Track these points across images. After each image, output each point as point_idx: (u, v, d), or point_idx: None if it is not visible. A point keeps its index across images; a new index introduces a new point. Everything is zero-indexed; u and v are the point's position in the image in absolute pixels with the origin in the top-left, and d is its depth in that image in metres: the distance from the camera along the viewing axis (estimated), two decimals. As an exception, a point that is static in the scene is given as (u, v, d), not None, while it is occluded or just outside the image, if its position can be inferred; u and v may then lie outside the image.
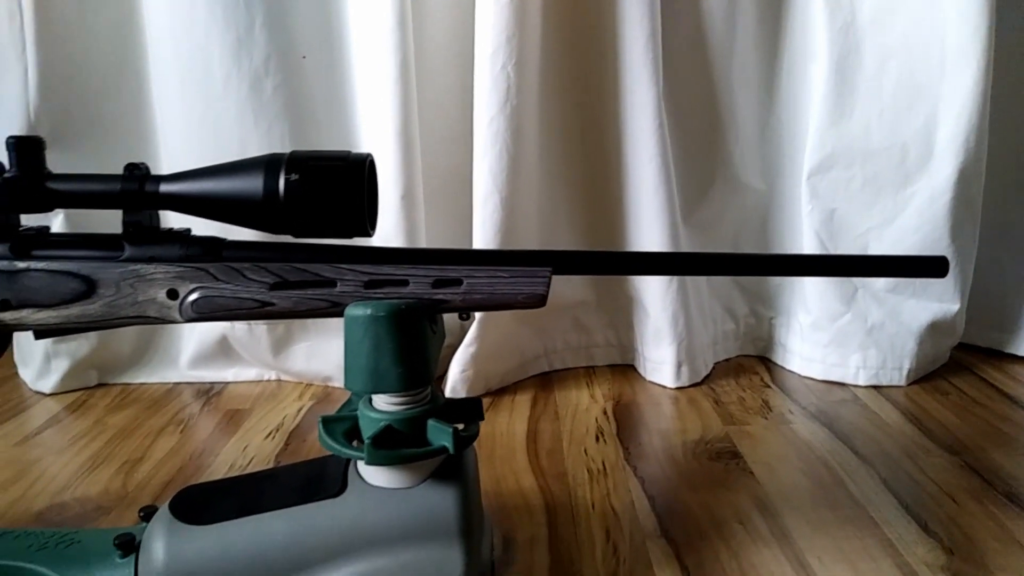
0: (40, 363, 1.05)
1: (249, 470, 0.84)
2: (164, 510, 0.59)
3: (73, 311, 0.55)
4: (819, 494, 0.77)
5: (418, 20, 0.92)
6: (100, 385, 1.08)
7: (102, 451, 0.89)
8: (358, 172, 0.52)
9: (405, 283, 0.54)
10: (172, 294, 0.54)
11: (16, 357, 1.10)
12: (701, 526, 0.71)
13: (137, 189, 0.54)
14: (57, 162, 1.00)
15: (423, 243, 0.98)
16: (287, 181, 0.51)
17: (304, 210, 0.52)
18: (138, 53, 1.01)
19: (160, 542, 0.57)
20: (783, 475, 0.81)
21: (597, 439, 0.90)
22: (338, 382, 1.06)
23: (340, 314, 0.54)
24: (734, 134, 1.04)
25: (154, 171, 1.06)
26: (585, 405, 0.99)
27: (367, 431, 0.55)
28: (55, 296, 0.55)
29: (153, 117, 1.02)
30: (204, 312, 0.55)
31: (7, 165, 0.54)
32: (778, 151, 1.06)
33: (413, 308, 0.52)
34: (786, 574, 0.64)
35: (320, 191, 0.52)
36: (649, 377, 1.06)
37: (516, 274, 0.54)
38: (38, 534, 0.63)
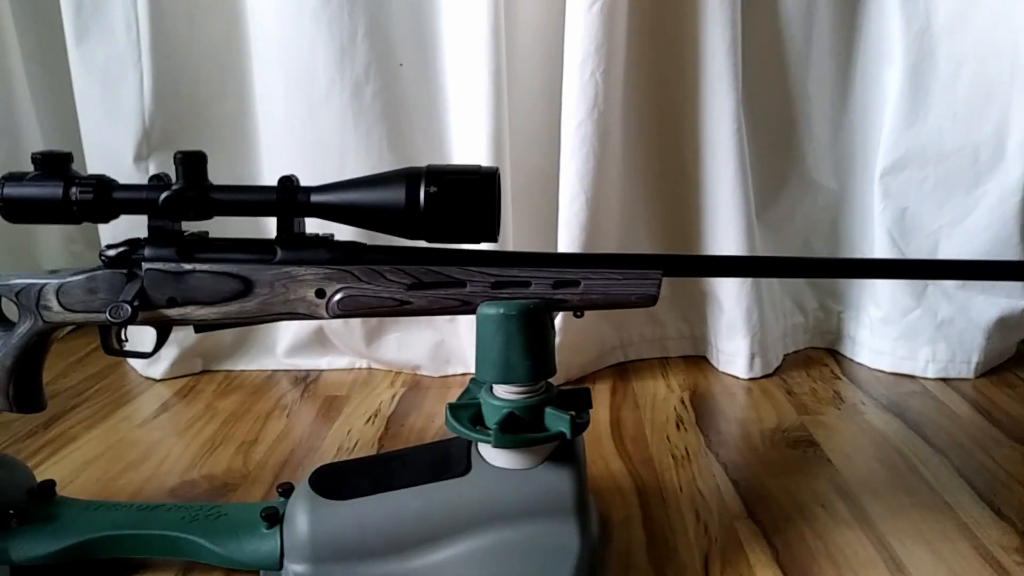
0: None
1: (355, 453, 0.91)
2: (304, 486, 0.65)
3: (232, 308, 0.62)
4: (895, 480, 0.82)
5: (509, 29, 0.97)
6: (204, 372, 1.16)
7: (218, 433, 0.96)
8: (489, 184, 0.58)
9: (528, 284, 0.60)
10: (320, 293, 0.61)
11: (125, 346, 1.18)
12: (785, 509, 0.76)
13: (290, 199, 0.60)
14: (167, 165, 1.08)
15: (510, 239, 1.03)
16: (427, 193, 0.57)
17: (441, 218, 0.58)
18: (242, 61, 1.07)
19: (303, 515, 0.63)
20: (859, 463, 0.85)
21: (678, 427, 0.95)
22: (426, 371, 1.13)
23: (469, 312, 0.60)
24: (808, 135, 1.08)
25: (255, 169, 1.13)
26: (663, 395, 1.05)
27: (491, 418, 0.61)
28: (216, 295, 0.61)
29: (256, 120, 1.09)
30: (348, 310, 0.61)
31: (173, 178, 0.61)
32: (850, 152, 1.10)
33: (539, 308, 0.58)
34: (870, 555, 0.69)
35: (456, 201, 0.57)
36: (722, 368, 1.11)
37: (629, 276, 0.60)
38: (188, 507, 0.70)
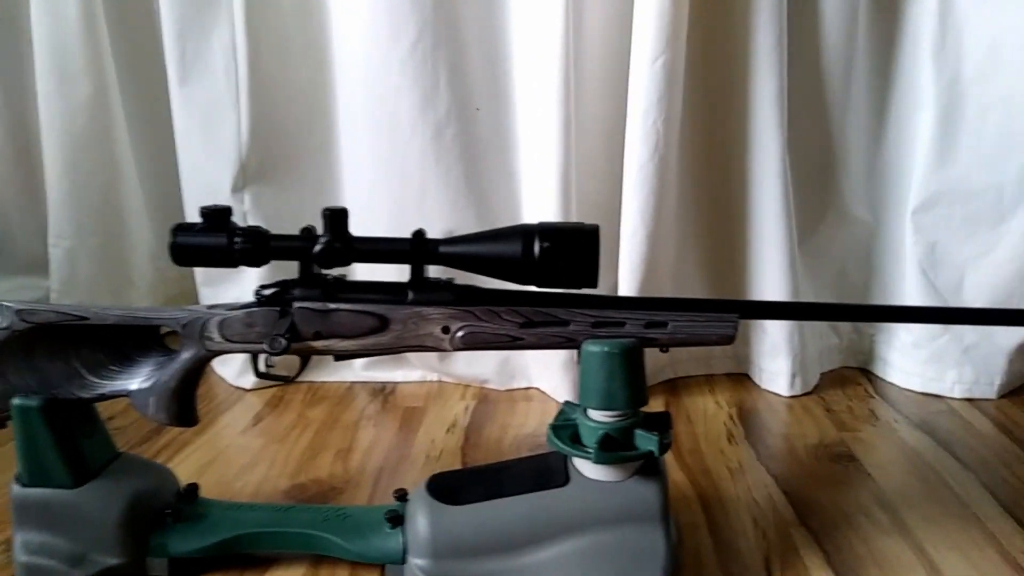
0: (241, 364, 1.24)
1: (441, 460, 1.01)
2: (422, 492, 0.76)
3: (369, 341, 0.72)
4: (928, 493, 0.92)
5: (577, 79, 1.07)
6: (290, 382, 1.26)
7: (315, 441, 1.07)
8: (593, 240, 0.68)
9: (623, 324, 0.70)
10: (445, 329, 0.71)
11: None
12: (833, 518, 0.86)
13: (422, 249, 0.70)
14: (261, 195, 1.20)
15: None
16: (541, 247, 0.67)
17: (551, 269, 0.68)
18: (328, 102, 1.18)
19: (424, 518, 0.74)
20: (895, 476, 0.96)
21: (729, 440, 1.05)
22: (493, 384, 1.23)
23: (572, 347, 0.71)
24: (845, 173, 1.19)
25: (337, 200, 1.25)
26: (712, 410, 1.15)
27: (588, 437, 0.71)
28: (356, 329, 0.72)
29: (340, 157, 1.20)
30: (469, 344, 0.71)
31: (319, 230, 0.71)
32: (884, 189, 1.20)
33: (637, 347, 0.68)
34: (910, 560, 0.79)
35: (565, 254, 0.68)
36: (764, 386, 1.21)
37: (710, 319, 0.70)
38: (317, 509, 0.81)
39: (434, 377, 1.27)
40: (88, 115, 1.28)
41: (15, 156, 1.32)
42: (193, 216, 1.20)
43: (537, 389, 1.23)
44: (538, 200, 1.11)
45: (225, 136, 1.16)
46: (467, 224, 1.12)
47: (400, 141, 1.11)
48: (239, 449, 1.05)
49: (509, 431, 1.10)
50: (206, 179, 1.18)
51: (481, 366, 1.22)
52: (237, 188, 1.17)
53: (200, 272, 1.26)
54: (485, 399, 1.21)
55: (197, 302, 1.27)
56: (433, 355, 1.22)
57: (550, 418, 1.10)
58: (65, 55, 1.25)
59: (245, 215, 1.17)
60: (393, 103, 1.10)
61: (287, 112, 1.17)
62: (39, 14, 1.23)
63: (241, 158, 1.16)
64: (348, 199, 1.20)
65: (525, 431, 1.10)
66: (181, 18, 1.12)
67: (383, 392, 1.23)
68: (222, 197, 1.16)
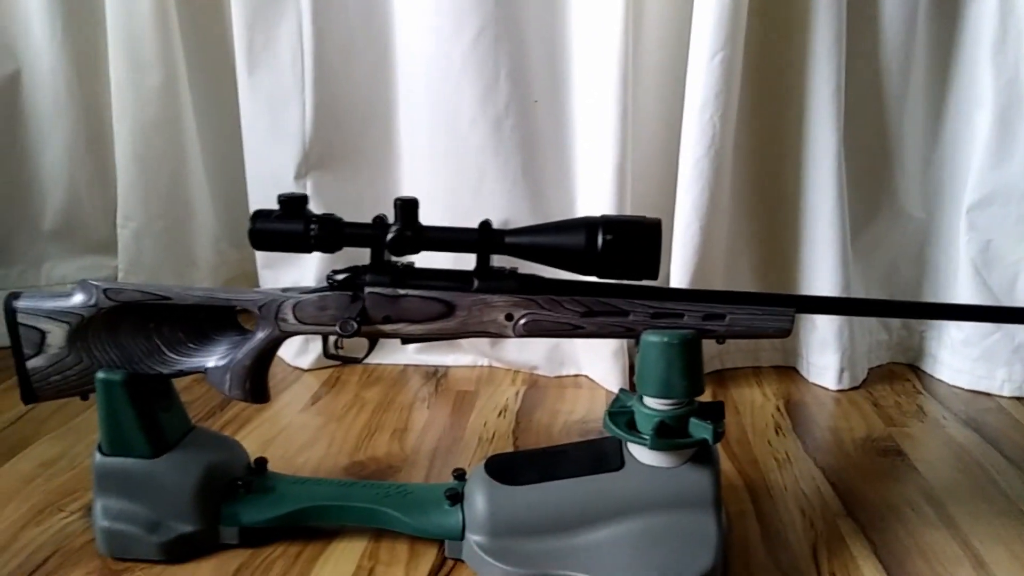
0: (299, 344, 1.28)
1: (494, 443, 1.04)
2: (480, 472, 0.79)
3: (435, 326, 0.75)
4: (975, 489, 0.93)
5: (635, 73, 1.09)
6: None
7: (371, 420, 1.11)
8: (655, 233, 0.70)
9: (681, 316, 0.73)
10: (508, 317, 0.74)
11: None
12: (879, 510, 0.88)
13: (489, 239, 0.73)
14: (322, 182, 1.24)
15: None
16: (604, 239, 0.70)
17: (614, 260, 0.70)
18: (389, 93, 1.21)
19: (482, 496, 0.77)
20: (943, 472, 0.97)
21: (776, 432, 1.07)
22: (542, 371, 1.26)
23: (631, 337, 0.73)
24: (901, 169, 1.19)
25: (396, 188, 1.28)
26: (760, 402, 1.17)
27: (644, 424, 0.73)
28: (423, 315, 0.75)
29: (399, 146, 1.23)
30: (531, 332, 0.74)
31: (391, 219, 0.74)
32: (939, 186, 1.20)
33: (696, 338, 0.71)
34: (956, 552, 0.81)
35: (627, 246, 0.70)
36: (812, 379, 1.23)
37: (768, 312, 0.72)
38: (379, 485, 0.85)
39: (485, 362, 1.30)
40: (158, 103, 1.33)
41: (88, 143, 1.36)
42: (257, 201, 1.25)
43: (586, 377, 1.25)
44: (593, 193, 1.13)
45: (290, 124, 1.20)
46: (522, 215, 1.15)
47: (460, 133, 1.14)
48: (299, 427, 1.09)
49: (559, 417, 1.13)
50: (270, 165, 1.22)
51: (531, 352, 1.25)
52: (300, 175, 1.21)
53: (261, 255, 1.30)
54: (535, 385, 1.24)
55: (256, 284, 1.32)
56: (484, 340, 1.25)
57: (599, 405, 1.15)
58: (137, 45, 1.30)
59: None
60: (454, 95, 1.13)
61: (349, 102, 1.21)
62: (114, 6, 1.28)
63: (304, 146, 1.20)
64: (406, 188, 1.23)
65: (574, 417, 1.13)
66: (251, 10, 1.16)
67: (435, 375, 1.27)
68: (285, 183, 1.21)
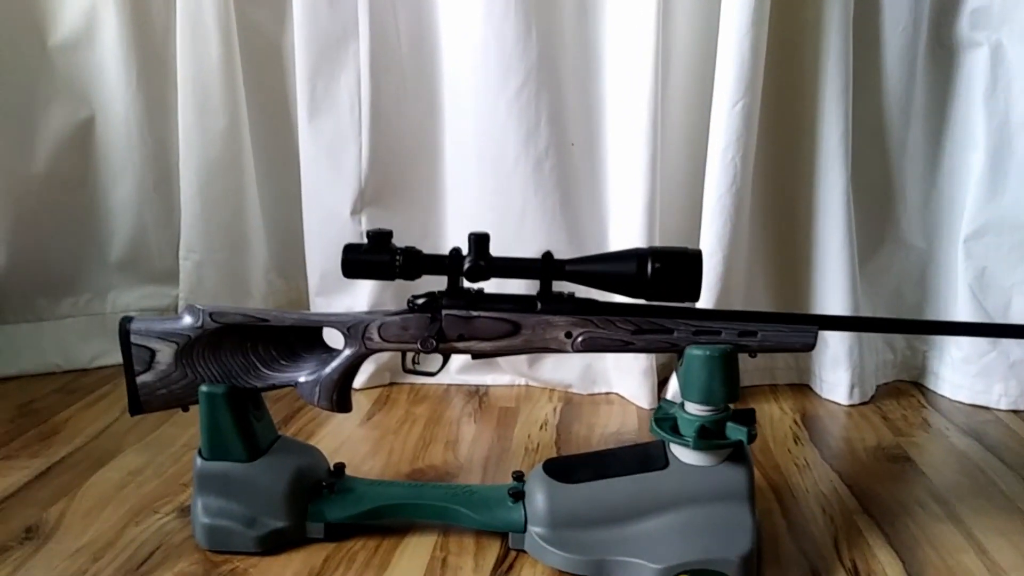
0: (352, 366, 1.39)
1: (539, 452, 1.15)
2: (539, 472, 0.89)
3: (503, 343, 0.87)
4: (977, 490, 1.03)
5: (663, 119, 1.22)
6: (392, 384, 1.41)
7: (424, 433, 1.21)
8: (697, 262, 0.82)
9: (719, 333, 0.84)
10: (568, 335, 0.85)
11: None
12: (892, 508, 0.98)
13: (551, 268, 0.84)
14: (375, 216, 1.35)
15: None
16: (653, 267, 0.81)
17: (662, 286, 0.82)
18: (438, 138, 1.34)
19: (542, 494, 0.87)
20: (947, 475, 1.07)
21: (795, 442, 1.18)
22: (576, 389, 1.37)
23: (676, 351, 0.84)
24: (903, 204, 1.31)
25: (442, 223, 1.39)
26: (778, 416, 1.27)
27: (687, 428, 0.84)
28: (493, 333, 0.86)
29: (445, 184, 1.35)
30: (588, 347, 0.85)
31: (464, 250, 0.86)
32: (938, 218, 1.32)
33: (733, 352, 0.82)
34: (960, 542, 0.91)
35: (674, 273, 0.81)
36: (825, 395, 1.33)
37: (795, 330, 0.83)
38: (446, 486, 0.95)
39: (522, 381, 1.41)
40: (222, 145, 1.46)
41: (155, 181, 1.48)
42: (313, 235, 1.37)
43: (617, 394, 1.36)
44: (625, 227, 1.25)
45: (347, 165, 1.32)
46: (560, 247, 1.26)
47: (504, 172, 1.26)
48: (360, 439, 1.20)
49: (595, 430, 1.23)
50: (327, 203, 1.34)
51: (565, 371, 1.36)
52: (356, 211, 1.33)
53: (314, 285, 1.41)
54: (570, 402, 1.34)
55: (308, 310, 1.43)
56: (522, 361, 1.36)
57: (631, 420, 1.26)
58: (205, 92, 1.43)
59: (362, 235, 1.32)
60: (500, 139, 1.25)
61: (402, 145, 1.33)
62: (184, 55, 1.41)
63: (361, 184, 1.32)
64: (452, 223, 1.35)
65: (609, 430, 1.24)
66: (313, 61, 1.28)
67: (477, 393, 1.38)
68: (341, 219, 1.32)
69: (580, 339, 0.85)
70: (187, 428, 1.20)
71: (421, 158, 1.34)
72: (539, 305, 0.86)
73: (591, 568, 0.85)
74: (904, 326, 0.87)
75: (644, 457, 0.88)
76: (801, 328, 0.83)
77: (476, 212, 1.30)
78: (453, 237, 1.32)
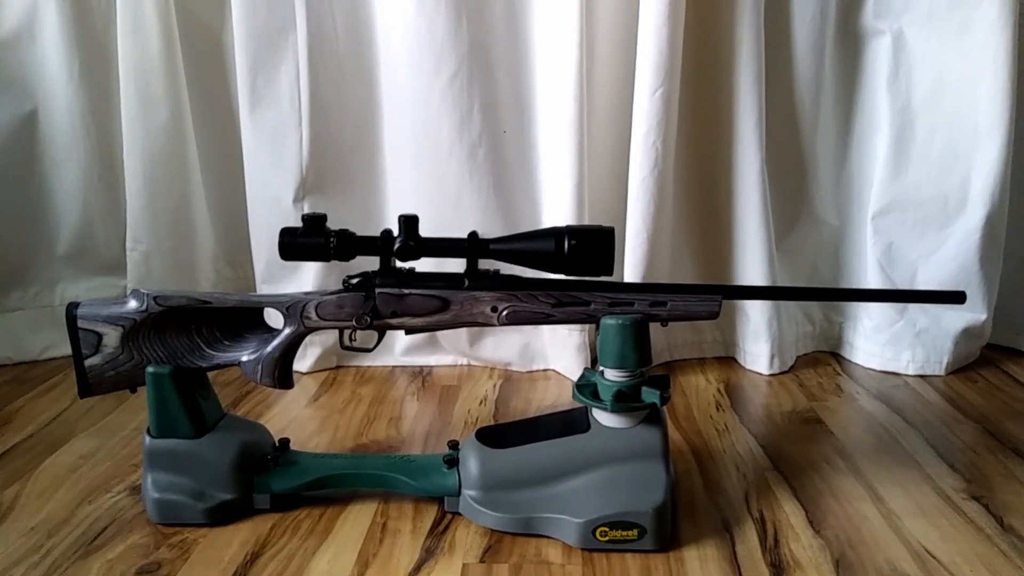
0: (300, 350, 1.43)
1: (478, 425, 1.20)
2: (472, 440, 0.96)
3: (433, 319, 0.92)
4: (880, 447, 1.12)
5: (590, 107, 1.28)
6: (338, 367, 1.46)
7: (369, 411, 1.27)
8: (610, 239, 0.88)
9: (632, 304, 0.91)
10: (493, 309, 0.91)
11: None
12: (800, 464, 1.07)
13: (476, 246, 0.90)
14: (317, 203, 1.39)
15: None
16: (569, 244, 0.88)
17: (578, 261, 0.88)
18: (375, 123, 1.38)
19: (475, 459, 0.94)
20: (854, 434, 1.16)
21: (717, 409, 1.26)
22: (516, 367, 1.43)
23: (593, 322, 0.91)
24: (816, 184, 1.40)
25: (383, 207, 1.44)
26: (703, 386, 1.35)
27: (605, 393, 0.90)
28: (424, 309, 0.92)
29: (385, 170, 1.40)
30: (512, 320, 0.92)
31: (395, 231, 0.91)
32: (848, 197, 1.41)
33: (644, 320, 0.89)
34: (860, 492, 0.99)
35: (588, 250, 0.88)
36: (748, 366, 1.42)
37: (701, 299, 0.90)
38: (385, 456, 1.01)
39: (464, 361, 1.47)
40: (165, 137, 1.49)
41: (100, 173, 1.50)
42: (257, 223, 1.41)
43: (554, 371, 1.43)
44: (556, 207, 1.31)
45: (288, 154, 1.36)
46: (495, 228, 1.32)
47: (440, 158, 1.32)
48: (306, 419, 1.25)
49: (532, 403, 1.30)
50: (270, 191, 1.38)
51: (505, 350, 1.43)
52: (298, 199, 1.37)
53: (260, 272, 1.45)
54: (509, 379, 1.41)
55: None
56: (463, 342, 1.42)
57: (566, 393, 1.33)
58: (147, 84, 1.46)
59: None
60: (435, 126, 1.31)
61: (341, 133, 1.37)
62: (126, 48, 1.44)
63: (302, 173, 1.36)
64: (392, 207, 1.40)
65: (545, 403, 1.30)
66: (253, 54, 1.32)
67: (421, 374, 1.43)
68: (284, 207, 1.37)
69: (505, 313, 0.92)
70: (137, 413, 1.24)
71: (360, 146, 1.39)
72: (466, 282, 0.92)
73: (520, 525, 0.91)
74: (796, 293, 0.94)
75: (568, 422, 0.95)
76: (706, 297, 0.90)
77: (414, 197, 1.36)
78: (393, 222, 1.34)
